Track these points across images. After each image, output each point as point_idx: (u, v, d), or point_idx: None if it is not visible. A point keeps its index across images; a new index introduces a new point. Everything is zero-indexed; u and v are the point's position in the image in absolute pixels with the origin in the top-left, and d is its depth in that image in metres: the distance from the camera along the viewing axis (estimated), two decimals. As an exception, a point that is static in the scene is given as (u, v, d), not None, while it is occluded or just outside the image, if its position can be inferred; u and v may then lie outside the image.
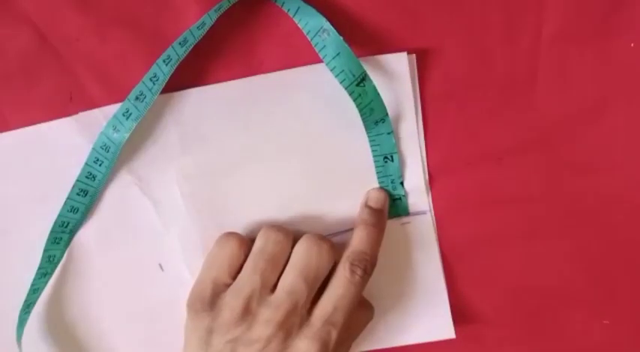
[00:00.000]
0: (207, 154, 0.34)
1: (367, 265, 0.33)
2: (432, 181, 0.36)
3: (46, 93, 0.33)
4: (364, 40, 0.33)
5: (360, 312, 0.35)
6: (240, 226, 0.35)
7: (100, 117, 0.32)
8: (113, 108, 0.32)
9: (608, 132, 0.36)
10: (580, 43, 0.34)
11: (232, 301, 0.32)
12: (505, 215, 0.37)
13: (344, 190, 0.35)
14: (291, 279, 0.32)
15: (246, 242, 0.34)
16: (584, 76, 0.35)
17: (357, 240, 0.34)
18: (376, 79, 0.32)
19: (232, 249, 0.33)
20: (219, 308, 0.32)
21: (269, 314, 0.31)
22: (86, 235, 0.35)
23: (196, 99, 0.33)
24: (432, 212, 0.37)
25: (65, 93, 0.33)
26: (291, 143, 0.35)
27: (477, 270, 0.38)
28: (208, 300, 0.32)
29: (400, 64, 0.33)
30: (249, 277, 0.32)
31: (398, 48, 0.33)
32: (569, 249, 0.38)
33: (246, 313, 0.31)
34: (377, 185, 0.36)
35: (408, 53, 0.33)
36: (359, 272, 0.32)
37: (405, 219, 0.37)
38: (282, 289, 0.32)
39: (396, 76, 0.33)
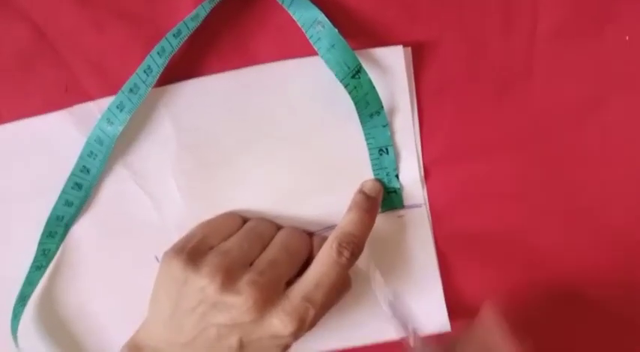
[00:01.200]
0: (203, 146, 0.34)
1: (355, 248, 0.32)
2: (428, 174, 0.36)
3: (41, 85, 0.32)
4: (359, 32, 0.33)
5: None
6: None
7: (95, 110, 0.32)
8: (108, 101, 0.32)
9: (605, 125, 0.36)
10: (575, 36, 0.34)
11: (216, 259, 0.31)
12: (501, 208, 0.37)
13: (339, 183, 0.35)
14: (274, 251, 0.33)
15: (244, 222, 0.35)
16: (580, 70, 0.34)
17: (348, 222, 0.33)
18: (371, 72, 0.32)
19: (231, 219, 0.35)
20: (200, 264, 0.31)
21: (251, 278, 0.31)
22: (82, 229, 0.35)
23: (191, 91, 0.33)
24: (428, 205, 0.37)
25: (60, 85, 0.32)
26: (287, 135, 0.34)
27: (472, 263, 0.38)
28: (192, 252, 0.32)
29: (396, 57, 0.33)
30: (238, 243, 0.33)
31: (393, 41, 0.33)
32: (565, 243, 0.38)
33: (228, 275, 0.31)
34: (372, 178, 0.36)
35: (404, 46, 0.33)
36: (346, 254, 0.32)
37: (400, 212, 0.37)
38: (265, 258, 0.32)
39: (391, 69, 0.33)
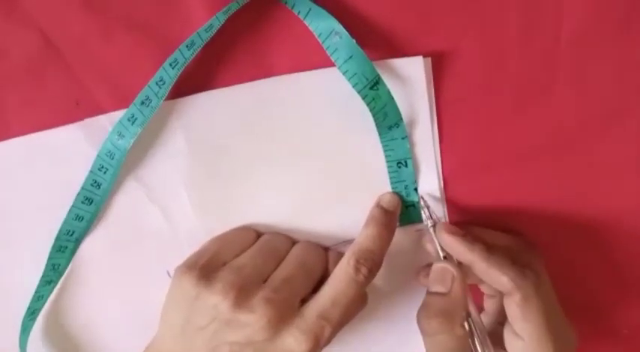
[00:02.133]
0: (215, 159, 0.33)
1: (373, 265, 0.32)
2: (447, 187, 0.35)
3: (51, 97, 0.32)
4: (377, 43, 0.32)
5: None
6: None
7: (106, 123, 0.32)
8: (119, 115, 0.31)
9: (629, 135, 0.35)
10: (599, 43, 0.33)
11: (229, 276, 0.31)
12: (521, 221, 0.36)
13: (355, 196, 0.35)
14: (289, 267, 0.32)
15: (258, 236, 0.35)
16: (604, 78, 0.33)
17: (365, 237, 0.32)
18: (390, 83, 0.31)
19: (244, 233, 0.34)
20: (213, 280, 0.31)
21: (265, 296, 0.30)
22: (93, 243, 0.34)
23: (203, 104, 0.32)
24: (447, 218, 0.36)
25: (71, 97, 0.32)
26: (301, 148, 0.34)
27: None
28: (204, 267, 0.31)
29: (415, 67, 0.32)
30: (252, 258, 0.32)
31: (412, 51, 0.32)
32: (586, 255, 0.38)
33: (241, 292, 0.30)
34: (392, 187, 0.35)
35: (423, 56, 0.32)
36: (364, 271, 0.31)
37: (418, 226, 0.36)
38: (280, 275, 0.32)
39: (410, 80, 0.32)
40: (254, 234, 0.35)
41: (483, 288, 0.36)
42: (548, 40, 0.32)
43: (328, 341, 0.31)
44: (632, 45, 0.33)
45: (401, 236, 0.35)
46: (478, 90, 0.33)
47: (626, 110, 0.34)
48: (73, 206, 0.33)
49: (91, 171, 0.32)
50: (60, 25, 0.30)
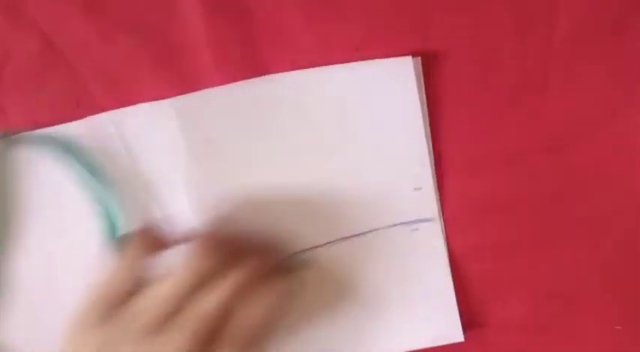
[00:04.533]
0: (212, 157, 0.34)
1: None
2: (441, 186, 0.36)
3: (52, 98, 0.33)
4: (371, 42, 0.32)
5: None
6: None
7: (107, 121, 0.32)
8: (120, 113, 0.32)
9: (621, 134, 0.35)
10: (592, 44, 0.33)
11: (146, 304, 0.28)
12: (515, 220, 0.37)
13: (351, 193, 0.35)
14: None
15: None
16: (597, 78, 0.34)
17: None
18: (381, 82, 0.31)
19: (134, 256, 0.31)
20: (125, 315, 0.28)
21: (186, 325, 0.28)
22: (89, 235, 0.35)
23: (200, 102, 0.33)
24: (441, 218, 0.36)
25: (72, 98, 0.33)
26: (296, 145, 0.34)
27: (486, 276, 0.37)
28: (108, 308, 0.28)
29: (405, 67, 0.32)
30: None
31: (406, 50, 0.33)
32: (580, 254, 0.38)
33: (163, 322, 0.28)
34: (387, 187, 0.35)
35: (414, 56, 0.32)
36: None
37: (413, 226, 0.36)
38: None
39: (401, 80, 0.32)
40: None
41: None
42: (542, 40, 0.33)
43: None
44: (624, 44, 0.33)
45: (396, 235, 0.36)
46: (472, 88, 0.34)
47: (619, 109, 0.35)
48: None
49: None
50: (62, 28, 0.31)
